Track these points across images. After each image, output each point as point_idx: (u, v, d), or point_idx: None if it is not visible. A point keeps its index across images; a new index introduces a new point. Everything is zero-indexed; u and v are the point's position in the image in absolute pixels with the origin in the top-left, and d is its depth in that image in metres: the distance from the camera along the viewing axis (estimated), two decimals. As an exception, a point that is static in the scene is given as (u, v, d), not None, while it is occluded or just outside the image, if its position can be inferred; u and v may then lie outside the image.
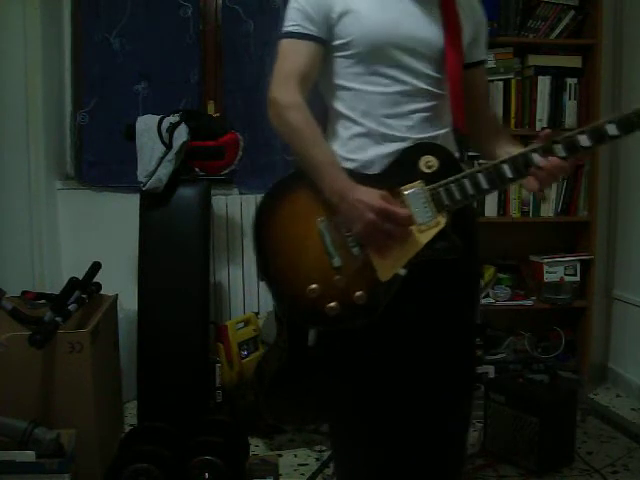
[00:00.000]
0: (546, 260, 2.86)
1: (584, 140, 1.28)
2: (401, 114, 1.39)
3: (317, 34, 1.38)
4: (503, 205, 2.86)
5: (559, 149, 1.29)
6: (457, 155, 1.41)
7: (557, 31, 2.82)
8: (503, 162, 1.32)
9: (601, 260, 3.03)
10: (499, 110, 2.81)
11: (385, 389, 1.47)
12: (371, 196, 1.28)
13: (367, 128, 1.39)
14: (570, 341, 2.91)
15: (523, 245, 2.96)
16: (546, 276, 2.86)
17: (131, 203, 2.65)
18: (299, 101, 1.35)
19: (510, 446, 2.31)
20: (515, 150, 1.36)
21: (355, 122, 1.40)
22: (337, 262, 1.34)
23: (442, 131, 1.42)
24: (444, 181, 1.33)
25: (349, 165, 1.39)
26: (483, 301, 2.81)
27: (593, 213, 2.87)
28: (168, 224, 2.49)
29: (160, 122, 2.48)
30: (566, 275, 2.86)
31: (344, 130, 1.42)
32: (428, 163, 1.35)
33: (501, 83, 2.81)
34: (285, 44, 1.40)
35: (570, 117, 2.83)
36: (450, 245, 1.34)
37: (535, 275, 2.91)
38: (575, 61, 2.84)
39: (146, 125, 2.51)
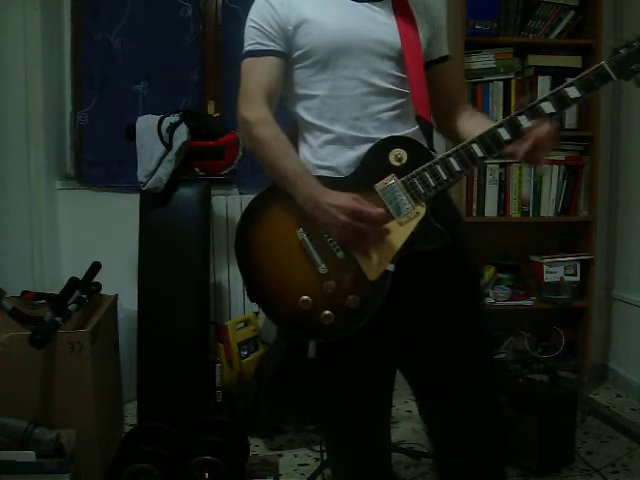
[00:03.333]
0: (546, 260, 2.86)
1: (547, 107, 1.30)
2: (369, 115, 1.39)
3: (275, 48, 1.40)
4: (503, 205, 2.86)
5: (524, 120, 1.31)
6: (426, 146, 1.40)
7: (557, 31, 2.82)
8: (472, 142, 1.32)
9: (601, 260, 3.03)
10: (499, 110, 2.81)
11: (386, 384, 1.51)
12: (342, 198, 1.28)
13: (337, 133, 1.40)
14: (570, 341, 2.91)
15: (523, 245, 2.96)
16: (546, 276, 2.86)
17: (131, 203, 2.65)
18: (266, 116, 1.37)
19: (510, 446, 2.31)
20: (484, 128, 1.36)
21: (324, 130, 1.40)
22: (323, 269, 1.33)
23: (412, 129, 1.43)
24: (416, 170, 1.33)
25: (323, 172, 1.39)
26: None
27: (593, 213, 2.88)
28: (168, 224, 2.50)
29: (160, 122, 2.48)
30: (566, 275, 2.86)
31: (314, 139, 1.42)
32: (397, 156, 1.35)
33: (501, 83, 2.81)
34: (246, 64, 1.42)
35: (570, 117, 2.82)
36: (434, 233, 1.34)
37: (535, 275, 2.91)
38: (575, 61, 2.84)
39: (146, 125, 2.51)
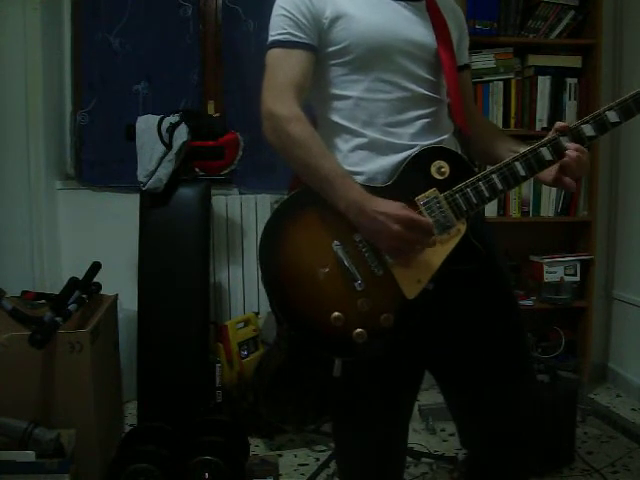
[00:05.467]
0: (546, 260, 2.86)
1: (588, 129, 1.27)
2: (404, 121, 1.33)
3: (308, 41, 1.31)
4: (503, 205, 2.86)
5: (566, 141, 1.27)
6: (466, 158, 1.35)
7: (557, 31, 2.82)
8: (515, 160, 1.28)
9: (601, 260, 3.03)
10: (499, 110, 2.81)
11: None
12: (392, 206, 1.21)
13: (370, 138, 1.32)
14: (570, 341, 2.91)
15: (523, 245, 2.95)
16: (546, 276, 2.86)
17: (131, 203, 2.65)
18: (299, 113, 1.27)
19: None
20: (521, 148, 1.32)
21: (356, 133, 1.33)
22: (359, 285, 1.25)
23: (445, 136, 1.37)
24: (459, 186, 1.27)
25: (356, 178, 1.30)
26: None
27: (593, 213, 2.88)
28: (168, 224, 2.49)
29: (160, 122, 2.48)
30: (566, 275, 2.86)
31: (344, 143, 1.34)
32: (441, 169, 1.29)
33: (501, 83, 2.81)
34: (275, 54, 1.32)
35: (570, 117, 2.83)
36: (473, 252, 1.29)
37: (535, 275, 2.91)
38: (575, 61, 2.84)
39: (146, 125, 2.51)
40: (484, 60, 2.79)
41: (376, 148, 1.32)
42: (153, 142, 2.47)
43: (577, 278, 2.88)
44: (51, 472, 1.87)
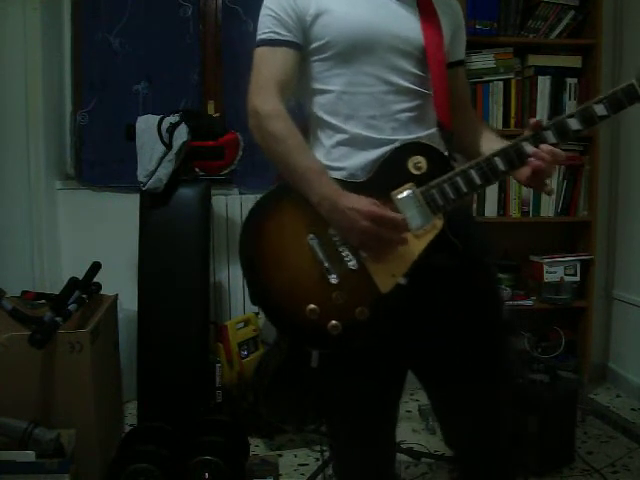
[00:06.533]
0: (546, 260, 2.86)
1: (574, 123, 1.24)
2: (387, 115, 1.33)
3: (292, 39, 1.33)
4: (503, 205, 2.86)
5: (549, 135, 1.25)
6: (446, 153, 1.34)
7: (557, 31, 2.82)
8: (495, 155, 1.27)
9: (601, 260, 3.03)
10: (499, 110, 2.81)
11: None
12: (363, 202, 1.22)
13: (351, 134, 1.33)
14: (570, 341, 2.91)
15: (523, 245, 2.95)
16: (546, 276, 2.86)
17: (131, 203, 2.65)
18: (280, 109, 1.30)
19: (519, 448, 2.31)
20: (504, 143, 1.31)
21: (338, 129, 1.34)
22: (334, 279, 1.27)
23: (429, 131, 1.37)
24: (436, 181, 1.27)
25: (335, 174, 1.32)
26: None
27: (593, 213, 2.88)
28: (168, 224, 2.49)
29: (160, 122, 2.48)
30: (566, 275, 2.86)
31: (327, 138, 1.36)
32: (417, 164, 1.29)
33: (501, 83, 2.81)
34: (260, 52, 1.36)
35: (570, 117, 2.82)
36: (450, 248, 1.29)
37: (535, 275, 2.91)
38: (575, 61, 2.84)
39: (146, 125, 2.51)
40: (484, 60, 2.79)
41: (357, 143, 1.33)
42: (153, 142, 2.47)
43: (577, 278, 2.88)
44: (51, 472, 1.87)
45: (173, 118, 2.49)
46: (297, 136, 1.30)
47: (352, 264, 1.27)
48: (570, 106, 2.82)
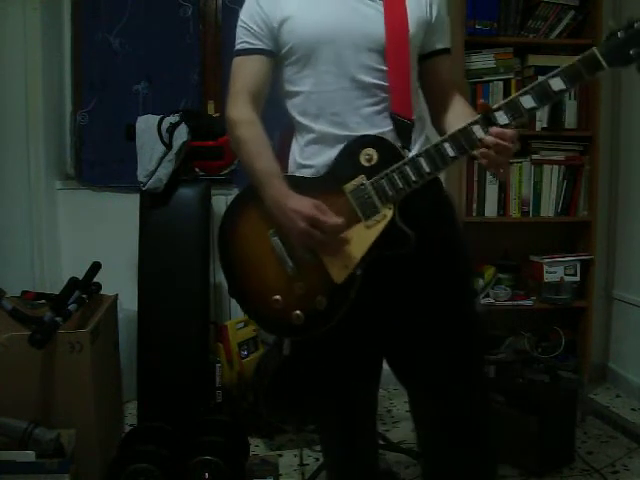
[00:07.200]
0: (546, 260, 2.86)
1: (527, 101, 1.22)
2: (350, 110, 1.37)
3: (262, 47, 1.41)
4: (503, 205, 2.86)
5: (500, 116, 1.23)
6: (399, 144, 1.36)
7: (557, 31, 2.82)
8: (444, 141, 1.28)
9: (601, 260, 3.03)
10: (499, 110, 2.81)
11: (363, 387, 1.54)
12: (303, 204, 1.29)
13: (319, 133, 1.39)
14: (570, 341, 2.91)
15: (523, 245, 2.95)
16: (546, 276, 2.86)
17: (131, 203, 2.65)
18: (249, 116, 1.39)
19: (510, 446, 2.31)
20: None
21: (308, 129, 1.41)
22: (293, 271, 1.36)
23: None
24: (384, 172, 1.31)
25: (305, 172, 1.40)
26: (483, 301, 2.82)
27: (593, 213, 2.87)
28: (168, 224, 2.50)
29: (160, 122, 2.48)
30: (566, 275, 2.86)
31: (301, 138, 1.43)
32: (367, 156, 1.33)
33: (501, 83, 2.81)
34: (235, 62, 1.45)
35: (570, 117, 2.82)
36: (402, 237, 1.31)
37: (535, 275, 2.91)
38: (575, 61, 2.84)
39: (146, 125, 2.51)
40: (484, 60, 2.79)
41: (324, 141, 1.39)
42: (153, 142, 2.47)
43: (577, 278, 2.87)
44: (51, 472, 1.87)
45: (173, 118, 2.49)
46: (258, 141, 1.38)
47: (308, 256, 1.35)
48: (570, 106, 2.82)
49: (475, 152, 1.27)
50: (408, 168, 1.29)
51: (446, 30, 1.51)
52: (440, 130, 1.48)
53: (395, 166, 1.30)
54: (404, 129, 1.38)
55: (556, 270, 2.86)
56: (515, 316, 2.94)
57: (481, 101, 1.30)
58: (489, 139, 1.24)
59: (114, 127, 2.92)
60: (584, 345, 2.90)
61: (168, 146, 2.45)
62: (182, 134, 2.47)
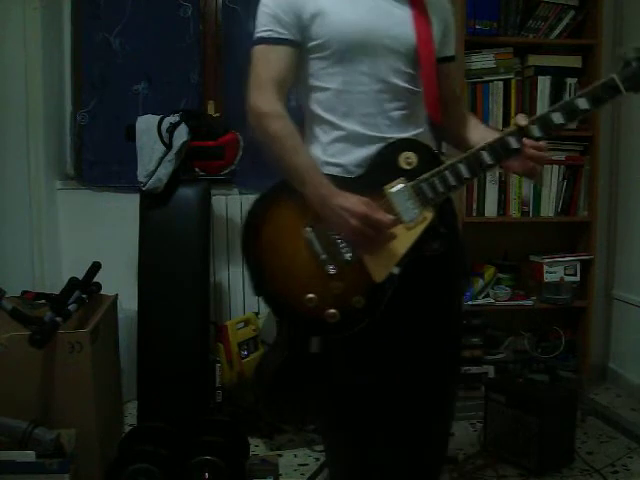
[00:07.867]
0: (546, 260, 2.86)
1: (557, 117, 1.32)
2: (381, 113, 1.38)
3: (290, 37, 1.37)
4: (503, 205, 2.86)
5: (534, 129, 1.33)
6: (435, 149, 1.41)
7: (557, 31, 2.82)
8: (482, 149, 1.33)
9: (601, 260, 3.03)
10: (499, 110, 2.81)
11: (371, 390, 1.52)
12: (353, 202, 1.27)
13: (348, 131, 1.39)
14: (570, 341, 2.91)
15: (523, 245, 2.96)
16: (546, 276, 2.86)
17: (131, 203, 2.65)
18: (278, 109, 1.35)
19: (510, 446, 2.31)
20: (491, 135, 1.38)
21: (335, 125, 1.40)
22: (331, 269, 1.34)
23: (421, 129, 1.43)
24: (425, 175, 1.33)
25: (331, 170, 1.39)
26: (483, 301, 2.82)
27: (593, 213, 2.87)
28: (168, 224, 2.49)
29: (160, 122, 2.48)
30: (566, 275, 2.86)
31: (324, 134, 1.42)
32: (407, 160, 1.35)
33: (501, 83, 2.81)
34: (259, 50, 1.39)
35: (570, 117, 2.82)
36: (439, 239, 1.35)
37: (535, 275, 2.91)
38: (575, 61, 2.84)
39: (146, 125, 2.51)
40: (484, 60, 2.79)
41: (354, 140, 1.39)
42: (153, 142, 2.47)
43: (577, 278, 2.87)
44: (51, 472, 1.87)
45: (173, 118, 2.49)
46: (294, 136, 1.35)
47: (348, 256, 1.34)
48: (570, 106, 2.82)
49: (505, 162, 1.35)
50: (448, 173, 1.33)
51: (454, 37, 1.54)
52: (444, 136, 1.51)
53: (435, 170, 1.33)
54: (436, 133, 1.43)
55: (556, 270, 2.86)
56: (515, 316, 2.94)
57: (520, 115, 1.35)
58: (530, 152, 1.33)
59: (114, 127, 2.92)
60: (584, 345, 2.90)
61: (168, 146, 2.45)
62: (182, 134, 2.46)
